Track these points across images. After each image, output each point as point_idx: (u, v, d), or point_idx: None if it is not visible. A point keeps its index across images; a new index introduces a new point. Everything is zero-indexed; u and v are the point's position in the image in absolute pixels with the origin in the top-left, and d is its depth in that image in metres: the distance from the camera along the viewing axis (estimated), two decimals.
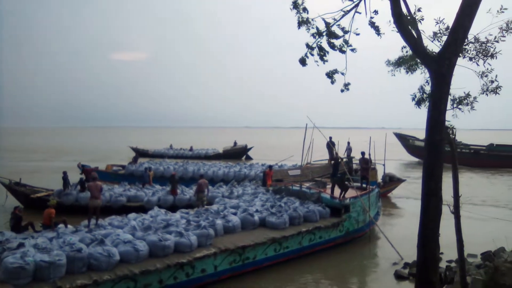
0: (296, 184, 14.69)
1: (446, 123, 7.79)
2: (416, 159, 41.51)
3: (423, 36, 7.80)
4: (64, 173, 17.62)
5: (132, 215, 11.60)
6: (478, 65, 7.91)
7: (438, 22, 7.95)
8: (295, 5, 7.92)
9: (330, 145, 22.29)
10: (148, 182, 19.61)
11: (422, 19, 7.72)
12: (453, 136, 8.11)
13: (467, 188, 22.22)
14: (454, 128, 8.02)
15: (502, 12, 7.18)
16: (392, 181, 21.53)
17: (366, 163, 15.81)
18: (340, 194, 13.50)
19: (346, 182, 13.77)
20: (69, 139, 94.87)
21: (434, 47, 8.18)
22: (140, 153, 42.24)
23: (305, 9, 8.00)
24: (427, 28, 8.27)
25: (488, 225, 15.61)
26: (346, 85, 8.45)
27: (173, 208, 14.76)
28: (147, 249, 9.03)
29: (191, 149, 45.17)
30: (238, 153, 44.70)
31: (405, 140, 43.14)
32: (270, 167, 19.60)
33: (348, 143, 25.37)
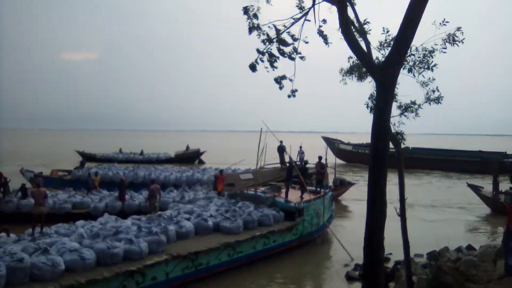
0: (252, 189, 14.71)
1: (395, 129, 8.13)
2: (342, 162, 43.23)
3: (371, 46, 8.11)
4: (4, 179, 16.62)
5: (80, 223, 11.13)
6: (414, 76, 8.32)
7: (384, 32, 8.28)
8: (246, 11, 8.00)
9: (281, 149, 22.63)
10: (93, 188, 18.88)
11: (369, 32, 8.01)
12: (402, 142, 8.45)
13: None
14: (403, 134, 8.37)
15: (444, 25, 7.60)
16: (342, 185, 22.09)
17: (322, 167, 16.16)
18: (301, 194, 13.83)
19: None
20: (14, 142, 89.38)
21: (380, 56, 8.52)
22: (87, 157, 40.50)
23: (255, 16, 8.10)
24: (376, 38, 8.60)
25: (431, 225, 16.45)
26: (293, 92, 8.63)
27: (121, 214, 14.31)
28: (95, 257, 8.71)
29: (141, 153, 44.07)
30: (190, 157, 44.20)
31: (331, 143, 44.87)
32: (221, 171, 19.53)
33: (300, 147, 25.81)
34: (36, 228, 10.61)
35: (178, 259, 9.56)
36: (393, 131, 8.21)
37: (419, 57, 8.20)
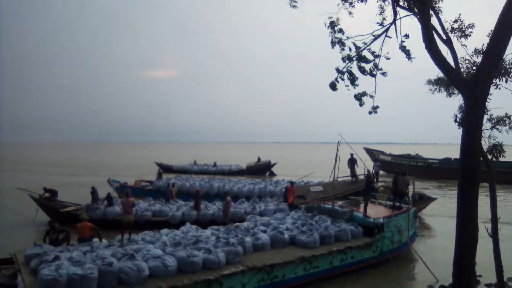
0: (329, 202, 14.43)
1: (491, 141, 7.54)
2: (382, 172, 42.70)
3: (465, 50, 7.65)
4: (93, 188, 18.00)
5: (164, 231, 11.71)
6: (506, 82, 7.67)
7: (489, 35, 7.73)
8: (332, 25, 7.92)
9: (352, 162, 22.18)
10: (171, 197, 19.76)
11: (470, 35, 7.55)
12: (500, 155, 7.77)
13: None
14: (502, 145, 7.71)
15: None
16: (422, 200, 20.83)
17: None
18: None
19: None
20: (103, 154, 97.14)
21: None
22: (165, 169, 42.67)
23: (341, 30, 8.00)
24: (475, 41, 8.06)
25: None
26: (375, 108, 8.37)
27: (197, 223, 14.82)
28: (176, 264, 9.02)
29: (214, 165, 45.33)
30: (261, 169, 44.56)
31: (372, 154, 45.46)
32: (292, 183, 19.49)
33: (375, 160, 24.96)
34: (124, 234, 11.28)
35: (253, 270, 9.57)
36: (487, 144, 7.62)
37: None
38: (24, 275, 8.49)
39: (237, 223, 12.86)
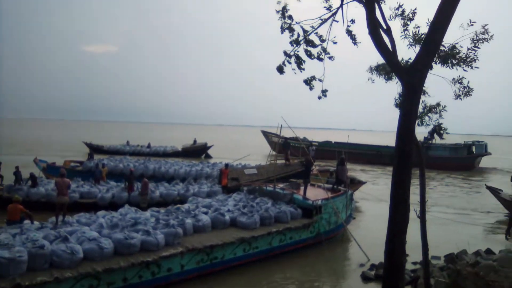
0: (271, 185, 14.67)
1: (433, 122, 8.04)
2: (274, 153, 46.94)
3: (404, 42, 8.00)
4: (16, 168, 16.84)
5: (101, 213, 11.26)
6: (451, 68, 8.15)
7: (415, 28, 8.13)
8: (283, 13, 7.89)
9: (286, 146, 22.79)
10: (100, 178, 18.93)
11: (412, 18, 7.89)
12: (442, 134, 8.34)
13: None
14: (442, 127, 8.25)
15: (471, 25, 7.46)
16: (353, 183, 21.80)
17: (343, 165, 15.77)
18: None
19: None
20: (29, 132, 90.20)
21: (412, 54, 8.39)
22: (94, 149, 40.56)
23: (290, 17, 8.00)
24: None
25: (446, 227, 16.21)
26: (324, 92, 8.50)
27: (129, 205, 14.39)
28: (112, 247, 8.80)
29: (148, 146, 43.96)
30: (197, 151, 44.12)
31: (267, 137, 50.14)
32: (227, 165, 19.61)
33: (311, 144, 25.75)
34: (59, 216, 10.65)
35: (193, 252, 9.59)
36: (430, 125, 8.16)
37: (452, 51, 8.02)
38: None
39: (178, 205, 12.67)
